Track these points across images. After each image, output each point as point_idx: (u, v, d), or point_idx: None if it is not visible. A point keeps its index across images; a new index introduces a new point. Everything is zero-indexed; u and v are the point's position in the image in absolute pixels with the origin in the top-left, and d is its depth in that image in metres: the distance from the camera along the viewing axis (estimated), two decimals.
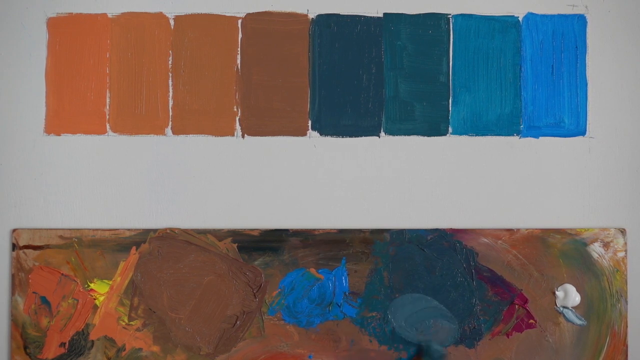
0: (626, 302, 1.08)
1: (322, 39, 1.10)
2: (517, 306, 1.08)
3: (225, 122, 1.09)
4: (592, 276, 1.08)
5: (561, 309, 1.08)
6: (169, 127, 1.09)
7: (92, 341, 1.07)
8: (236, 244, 1.08)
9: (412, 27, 1.10)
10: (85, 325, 1.07)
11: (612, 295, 1.08)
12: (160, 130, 1.09)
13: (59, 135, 1.09)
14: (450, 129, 1.10)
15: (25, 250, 1.07)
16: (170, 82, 1.10)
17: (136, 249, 1.08)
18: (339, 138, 1.10)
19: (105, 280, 1.08)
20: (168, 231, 1.08)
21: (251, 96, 1.10)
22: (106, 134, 1.09)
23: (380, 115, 1.10)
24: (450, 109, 1.10)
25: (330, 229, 1.08)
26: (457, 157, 1.10)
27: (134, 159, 1.09)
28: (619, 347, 1.08)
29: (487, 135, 1.10)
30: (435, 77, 1.10)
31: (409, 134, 1.10)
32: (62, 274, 1.07)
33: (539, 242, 1.08)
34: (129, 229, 1.08)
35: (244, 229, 1.08)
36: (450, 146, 1.10)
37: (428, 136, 1.10)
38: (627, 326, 1.08)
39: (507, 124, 1.10)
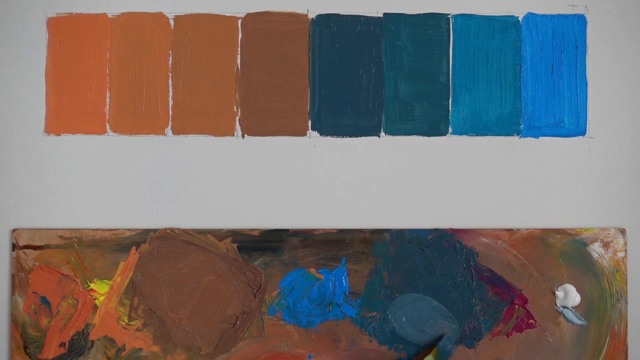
0: (626, 302, 1.08)
1: (322, 39, 1.10)
2: (517, 306, 1.08)
3: (225, 122, 1.09)
4: (592, 276, 1.08)
5: (561, 309, 1.08)
6: (169, 127, 1.09)
7: (92, 341, 1.07)
8: (236, 244, 1.08)
9: (412, 27, 1.10)
10: (85, 325, 1.07)
11: (612, 295, 1.08)
12: (160, 130, 1.09)
13: (59, 135, 1.09)
14: (450, 129, 1.10)
15: (25, 250, 1.07)
16: (170, 82, 1.10)
17: (136, 249, 1.08)
18: (339, 138, 1.10)
19: (105, 280, 1.08)
20: (168, 231, 1.08)
21: (251, 96, 1.10)
22: (106, 134, 1.09)
23: (380, 115, 1.10)
24: (450, 109, 1.10)
25: (330, 229, 1.08)
26: (457, 157, 1.10)
27: (134, 159, 1.09)
28: (619, 347, 1.08)
29: (487, 135, 1.10)
30: (435, 77, 1.10)
31: (409, 134, 1.10)
32: (62, 274, 1.07)
33: (539, 242, 1.08)
34: (129, 229, 1.08)
35: (244, 229, 1.08)
36: (450, 146, 1.10)
37: (428, 136, 1.10)
38: (627, 326, 1.08)
39: (507, 124, 1.10)
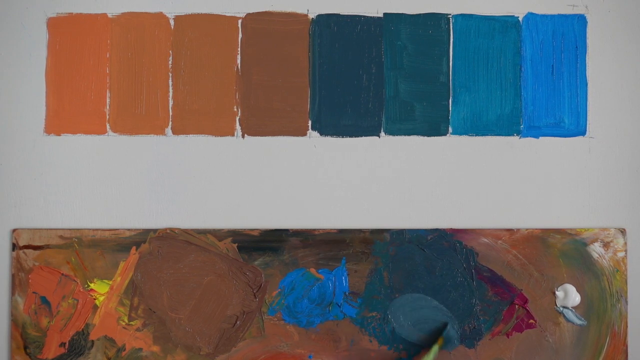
0: (626, 302, 1.08)
1: (322, 39, 1.10)
2: (517, 306, 1.08)
3: (225, 122, 1.09)
4: (592, 276, 1.08)
5: (561, 309, 1.08)
6: (169, 127, 1.09)
7: (92, 341, 1.07)
8: (236, 244, 1.08)
9: (412, 27, 1.10)
10: (85, 325, 1.07)
11: (612, 295, 1.08)
12: (160, 130, 1.09)
13: (59, 135, 1.09)
14: (450, 129, 1.10)
15: (25, 250, 1.07)
16: (170, 82, 1.10)
17: (136, 249, 1.08)
18: (339, 138, 1.10)
19: (105, 280, 1.08)
20: (168, 231, 1.08)
21: (251, 96, 1.10)
22: (106, 134, 1.09)
23: (380, 115, 1.10)
24: (450, 109, 1.10)
25: (330, 229, 1.08)
26: (457, 157, 1.10)
27: (134, 159, 1.09)
28: (619, 347, 1.08)
29: (487, 135, 1.10)
30: (435, 77, 1.10)
31: (409, 134, 1.10)
32: (62, 274, 1.07)
33: (539, 242, 1.08)
34: (129, 229, 1.08)
35: (244, 229, 1.08)
36: (450, 146, 1.10)
37: (428, 136, 1.10)
38: (627, 326, 1.08)
39: (507, 124, 1.10)
